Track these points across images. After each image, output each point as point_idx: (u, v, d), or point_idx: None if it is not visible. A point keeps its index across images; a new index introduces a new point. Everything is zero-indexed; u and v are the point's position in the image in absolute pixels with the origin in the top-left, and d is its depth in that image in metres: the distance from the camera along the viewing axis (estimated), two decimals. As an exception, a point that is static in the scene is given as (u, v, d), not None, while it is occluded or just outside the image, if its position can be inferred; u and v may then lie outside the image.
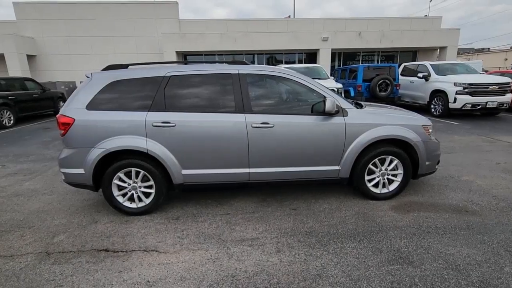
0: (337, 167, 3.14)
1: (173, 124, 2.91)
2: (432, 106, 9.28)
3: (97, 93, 2.94)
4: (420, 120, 3.27)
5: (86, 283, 2.08)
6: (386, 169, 3.22)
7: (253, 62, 17.60)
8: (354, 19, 17.20)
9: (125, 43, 16.98)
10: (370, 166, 3.17)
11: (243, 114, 2.97)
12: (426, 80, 9.53)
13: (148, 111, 2.93)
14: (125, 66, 3.11)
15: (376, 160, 3.16)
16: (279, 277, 2.08)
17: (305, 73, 9.82)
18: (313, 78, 9.12)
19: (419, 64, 10.32)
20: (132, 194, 3.06)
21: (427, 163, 3.27)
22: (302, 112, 3.06)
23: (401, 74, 11.16)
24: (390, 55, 17.95)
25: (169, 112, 2.94)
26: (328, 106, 2.87)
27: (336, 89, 8.33)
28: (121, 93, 2.96)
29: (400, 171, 3.23)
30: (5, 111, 8.96)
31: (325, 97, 3.05)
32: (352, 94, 9.84)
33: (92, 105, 2.92)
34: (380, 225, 2.74)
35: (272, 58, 17.54)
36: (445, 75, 9.09)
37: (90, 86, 2.96)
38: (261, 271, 2.15)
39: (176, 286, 2.02)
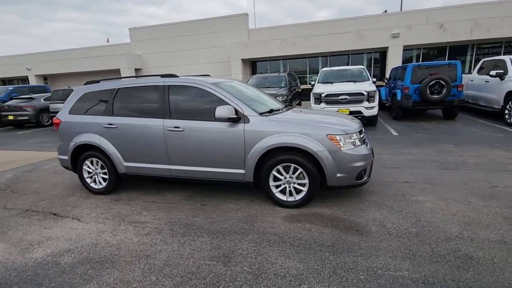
0: (242, 171, 3.32)
1: (115, 126, 3.73)
2: (507, 112, 7.36)
3: (75, 102, 4.05)
4: (328, 129, 3.06)
5: (21, 230, 3.09)
6: (291, 177, 3.18)
7: (316, 66, 17.31)
8: (438, 9, 14.65)
9: (203, 55, 19.46)
10: (275, 173, 3.21)
11: (162, 119, 3.53)
12: (502, 79, 7.60)
13: (102, 115, 3.85)
14: (97, 81, 4.12)
15: (279, 167, 3.18)
16: (117, 251, 2.58)
17: (346, 75, 9.36)
18: (349, 81, 8.66)
19: (498, 59, 8.26)
20: (95, 178, 4.05)
21: (338, 175, 3.05)
22: (210, 119, 3.38)
23: (478, 72, 9.14)
24: (491, 48, 14.50)
25: (114, 116, 3.78)
26: (217, 113, 3.13)
27: (366, 93, 7.64)
28: (90, 102, 3.98)
29: (306, 180, 3.13)
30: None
31: (228, 104, 3.29)
32: (399, 97, 8.71)
33: (72, 111, 4.05)
34: (252, 229, 2.83)
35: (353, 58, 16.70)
36: (527, 72, 7.05)
37: (73, 97, 4.10)
38: (114, 245, 2.69)
39: (60, 243, 2.79)
